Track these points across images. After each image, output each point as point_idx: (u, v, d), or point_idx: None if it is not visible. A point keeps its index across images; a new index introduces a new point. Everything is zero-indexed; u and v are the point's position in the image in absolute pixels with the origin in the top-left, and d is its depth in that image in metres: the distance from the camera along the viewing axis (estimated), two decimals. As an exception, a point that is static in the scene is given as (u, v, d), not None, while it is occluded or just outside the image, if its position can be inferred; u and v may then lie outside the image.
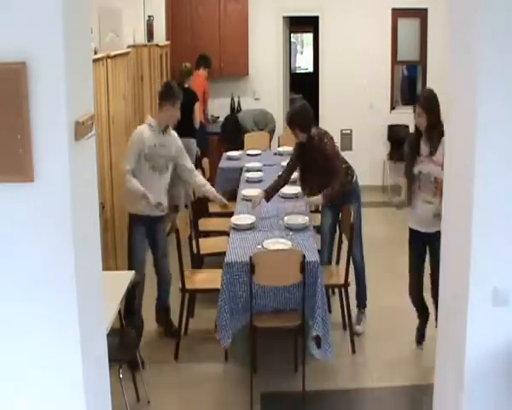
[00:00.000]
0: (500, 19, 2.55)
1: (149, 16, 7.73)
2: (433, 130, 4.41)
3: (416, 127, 4.61)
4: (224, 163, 7.16)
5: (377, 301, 5.84)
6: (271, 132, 8.69)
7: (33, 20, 2.04)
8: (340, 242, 5.49)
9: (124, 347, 3.95)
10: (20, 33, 2.05)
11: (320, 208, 5.62)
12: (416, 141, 4.60)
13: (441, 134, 4.11)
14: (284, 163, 6.84)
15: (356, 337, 4.96)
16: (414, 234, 4.83)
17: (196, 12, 8.77)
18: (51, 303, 2.20)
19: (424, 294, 4.96)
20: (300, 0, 9.14)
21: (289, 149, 7.54)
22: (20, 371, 2.26)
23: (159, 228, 4.98)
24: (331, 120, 9.31)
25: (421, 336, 4.97)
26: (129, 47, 6.73)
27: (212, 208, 6.70)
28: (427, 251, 4.80)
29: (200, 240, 5.68)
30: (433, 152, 4.48)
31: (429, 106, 4.45)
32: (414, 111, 4.56)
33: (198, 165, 7.04)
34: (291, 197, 5.72)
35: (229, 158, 7.28)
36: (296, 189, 5.90)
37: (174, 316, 4.93)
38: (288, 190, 5.86)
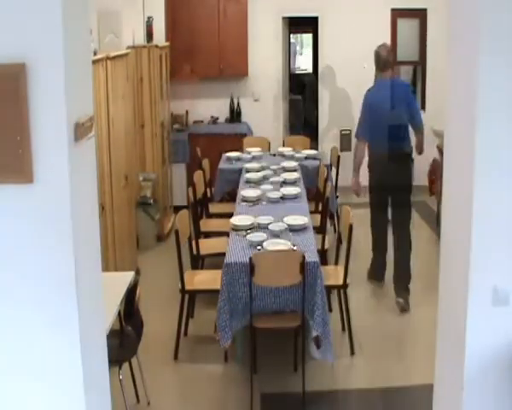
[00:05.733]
0: (500, 19, 2.55)
1: (149, 17, 7.74)
2: None
3: None
4: (223, 164, 7.16)
5: (377, 301, 5.84)
6: None
7: (33, 22, 2.04)
8: (340, 242, 5.48)
9: (123, 348, 3.95)
10: (20, 34, 2.05)
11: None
12: None
13: None
14: (284, 164, 6.87)
15: (355, 338, 4.96)
16: None
17: (196, 13, 8.77)
18: (51, 304, 2.21)
19: None
20: (300, 0, 9.13)
21: (288, 149, 7.57)
22: (19, 372, 2.26)
23: None
24: (330, 120, 9.31)
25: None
26: (128, 48, 6.74)
27: (213, 209, 6.71)
28: None
29: (200, 241, 5.69)
30: None
31: None
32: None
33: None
34: (291, 198, 5.73)
35: (229, 159, 7.28)
36: (296, 189, 5.91)
37: (174, 316, 4.93)
38: (288, 190, 5.87)
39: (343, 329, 5.14)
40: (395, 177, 5.59)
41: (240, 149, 7.76)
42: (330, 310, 5.21)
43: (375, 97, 5.80)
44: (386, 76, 5.83)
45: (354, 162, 6.01)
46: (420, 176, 8.01)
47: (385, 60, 5.85)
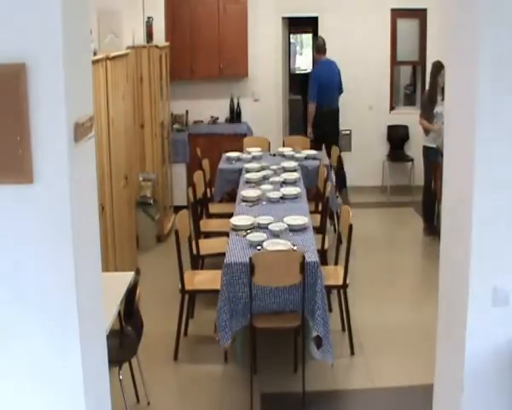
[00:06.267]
0: (500, 18, 2.55)
1: (148, 17, 7.74)
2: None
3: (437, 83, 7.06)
4: (223, 164, 7.16)
5: (376, 301, 5.85)
6: None
7: (33, 22, 2.04)
8: (340, 242, 5.49)
9: (123, 348, 3.95)
10: (20, 34, 2.05)
11: None
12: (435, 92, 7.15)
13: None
14: (284, 164, 6.88)
15: (355, 338, 4.96)
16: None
17: (196, 13, 8.77)
18: (51, 304, 2.20)
19: None
20: (300, 0, 9.13)
21: (288, 149, 7.57)
22: (19, 372, 2.26)
23: None
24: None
25: None
26: (128, 48, 6.74)
27: (213, 209, 6.71)
28: None
29: (200, 241, 5.69)
30: (443, 98, 6.27)
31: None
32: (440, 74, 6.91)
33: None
34: (291, 198, 5.73)
35: (229, 159, 7.28)
36: (296, 189, 5.91)
37: (174, 317, 4.93)
38: (288, 190, 5.87)
39: (343, 329, 5.13)
40: (331, 123, 8.49)
41: (240, 149, 7.76)
42: (330, 310, 5.21)
43: (323, 72, 8.40)
44: (323, 58, 8.43)
45: (309, 119, 8.47)
46: (420, 176, 8.02)
47: (324, 46, 8.42)
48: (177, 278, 4.85)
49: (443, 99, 7.20)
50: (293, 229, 4.86)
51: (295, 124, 11.13)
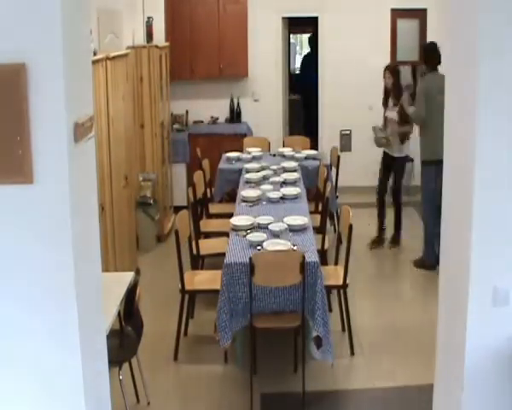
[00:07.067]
0: (499, 18, 2.55)
1: (148, 17, 7.74)
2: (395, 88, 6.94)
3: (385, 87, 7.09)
4: (223, 164, 7.16)
5: (376, 301, 5.85)
6: None
7: (33, 22, 2.04)
8: (340, 242, 5.48)
9: (123, 348, 3.95)
10: (20, 34, 2.05)
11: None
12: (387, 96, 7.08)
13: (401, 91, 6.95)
14: (284, 164, 6.87)
15: (355, 338, 4.96)
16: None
17: (195, 13, 8.77)
18: (51, 305, 2.20)
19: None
20: (300, 1, 9.13)
21: (288, 149, 7.57)
22: (20, 372, 2.26)
23: None
24: (330, 120, 9.31)
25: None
26: (128, 48, 6.74)
27: (213, 209, 6.71)
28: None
29: (200, 241, 5.69)
30: (396, 103, 6.90)
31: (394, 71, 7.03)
32: (384, 76, 7.06)
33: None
34: (291, 198, 5.73)
35: (229, 159, 7.28)
36: (296, 189, 5.91)
37: (174, 316, 4.93)
38: (288, 190, 5.87)
39: (343, 329, 5.13)
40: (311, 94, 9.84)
41: (240, 149, 7.76)
42: (330, 310, 5.21)
43: (307, 62, 11.49)
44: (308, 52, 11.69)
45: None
46: (420, 176, 8.01)
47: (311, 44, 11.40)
48: (177, 278, 4.85)
49: (394, 104, 7.02)
50: (293, 229, 4.85)
51: (295, 124, 11.13)
